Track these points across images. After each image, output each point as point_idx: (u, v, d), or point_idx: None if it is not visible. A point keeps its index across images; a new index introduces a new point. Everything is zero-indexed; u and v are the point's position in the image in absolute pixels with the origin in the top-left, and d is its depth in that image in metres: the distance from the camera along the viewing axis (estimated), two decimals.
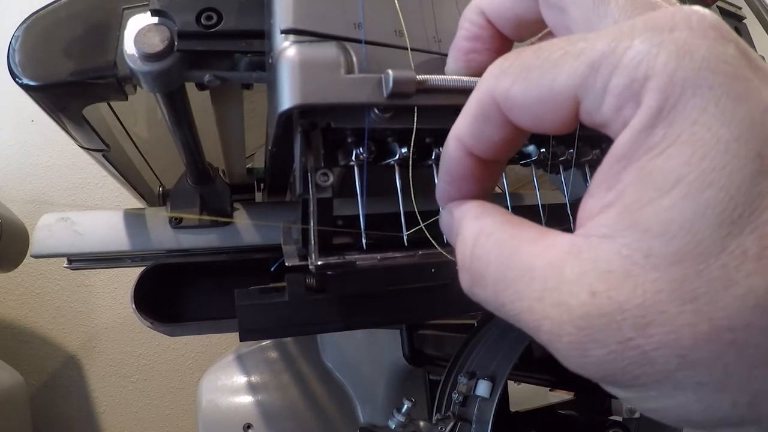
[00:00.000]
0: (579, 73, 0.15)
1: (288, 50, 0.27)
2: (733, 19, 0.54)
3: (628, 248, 0.13)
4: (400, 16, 0.30)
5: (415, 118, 0.29)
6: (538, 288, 0.14)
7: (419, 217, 0.29)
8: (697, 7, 0.14)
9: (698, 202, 0.12)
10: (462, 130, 0.19)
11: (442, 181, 0.21)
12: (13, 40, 0.33)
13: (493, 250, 0.17)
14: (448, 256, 0.28)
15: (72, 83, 0.33)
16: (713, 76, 0.13)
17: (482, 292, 0.17)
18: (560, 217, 0.37)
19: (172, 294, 0.55)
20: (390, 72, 0.27)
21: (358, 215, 0.30)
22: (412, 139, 0.29)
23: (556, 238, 0.15)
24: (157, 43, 0.31)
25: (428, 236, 0.28)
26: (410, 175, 0.30)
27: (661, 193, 0.13)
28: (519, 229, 0.17)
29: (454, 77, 0.29)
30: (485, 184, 0.20)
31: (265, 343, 0.91)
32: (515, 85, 0.16)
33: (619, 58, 0.14)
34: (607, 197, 0.14)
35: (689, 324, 0.12)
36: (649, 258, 0.13)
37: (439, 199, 0.21)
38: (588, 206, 0.15)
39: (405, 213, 0.31)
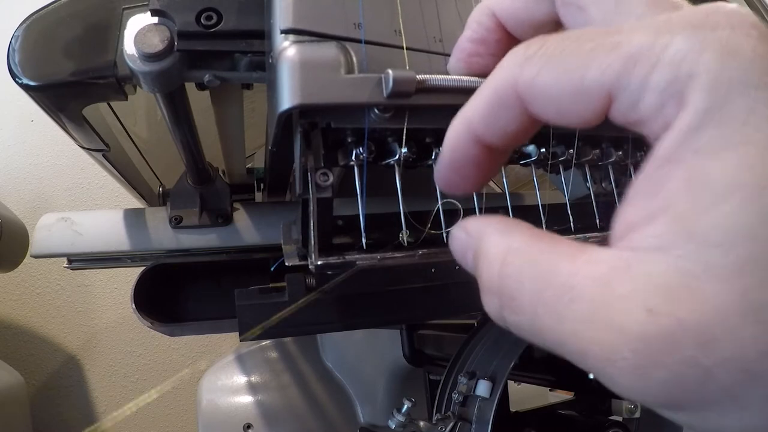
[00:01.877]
0: (614, 67, 0.14)
1: (288, 50, 0.27)
2: None
3: (685, 260, 0.12)
4: (400, 16, 0.30)
5: (406, 120, 0.29)
6: (583, 309, 0.13)
7: (419, 223, 0.29)
8: (735, 6, 0.14)
9: (760, 207, 0.12)
10: (473, 115, 0.18)
11: (444, 166, 0.20)
12: (13, 40, 0.33)
13: (526, 268, 0.15)
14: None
15: (72, 83, 0.33)
16: (759, 77, 0.12)
17: (514, 317, 0.15)
18: (560, 217, 0.37)
19: (172, 294, 0.55)
20: (390, 72, 0.27)
21: (358, 215, 0.30)
22: (403, 137, 0.29)
23: (597, 253, 0.14)
24: (156, 43, 0.31)
25: (442, 235, 0.28)
26: (397, 174, 0.30)
27: (718, 200, 0.12)
28: (552, 244, 0.15)
29: (455, 77, 0.29)
30: (488, 172, 0.19)
31: (265, 343, 0.91)
32: (541, 75, 0.15)
33: (659, 54, 0.13)
34: (652, 205, 0.13)
35: (754, 337, 0.11)
36: (709, 270, 0.12)
37: (440, 182, 0.20)
38: (628, 215, 0.14)
39: (405, 213, 0.31)
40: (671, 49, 0.13)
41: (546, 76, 0.15)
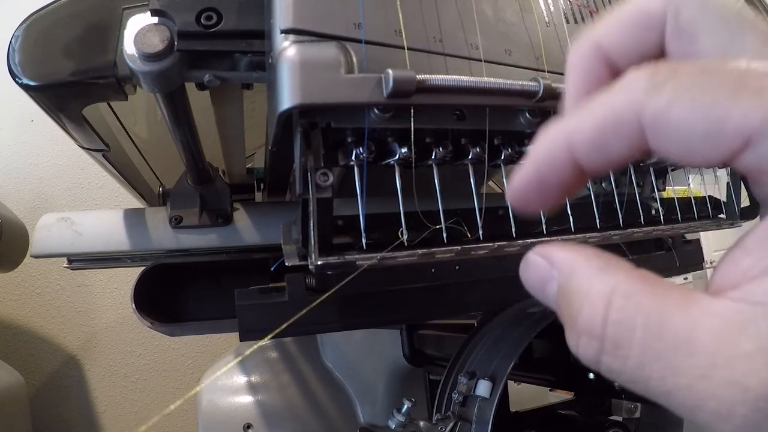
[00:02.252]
0: (760, 113, 0.13)
1: (288, 50, 0.27)
2: None
3: None
4: (400, 16, 0.30)
5: (412, 120, 0.29)
6: (702, 364, 0.13)
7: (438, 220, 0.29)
8: None
9: None
10: (578, 134, 0.16)
11: (525, 182, 0.18)
12: (13, 40, 0.33)
13: (637, 315, 0.14)
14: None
15: (72, 83, 0.33)
16: None
17: (617, 363, 0.14)
18: (560, 217, 0.37)
19: (172, 294, 0.55)
20: (390, 71, 0.27)
21: (358, 215, 0.30)
22: (411, 136, 0.29)
23: (711, 304, 0.14)
24: (156, 43, 0.31)
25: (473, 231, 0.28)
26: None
27: None
28: (662, 289, 0.14)
29: (455, 77, 0.29)
30: (568, 194, 0.18)
31: (265, 343, 0.91)
32: (674, 107, 0.14)
33: None
34: None
35: None
36: None
37: (516, 198, 0.18)
38: (743, 264, 0.14)
39: (405, 213, 0.31)
40: None
41: (679, 110, 0.14)
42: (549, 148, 0.17)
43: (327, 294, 0.33)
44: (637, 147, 0.15)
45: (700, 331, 0.13)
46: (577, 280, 0.16)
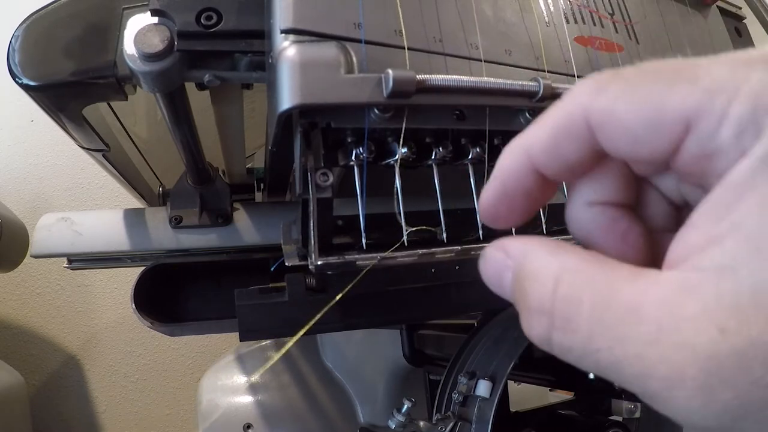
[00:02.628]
0: (695, 97, 0.14)
1: (288, 50, 0.27)
2: (733, 19, 0.54)
3: (756, 278, 0.12)
4: (400, 16, 0.30)
5: (405, 121, 0.29)
6: (650, 330, 0.13)
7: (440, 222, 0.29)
8: None
9: None
10: (534, 143, 0.17)
11: (492, 196, 0.19)
12: (13, 40, 0.33)
13: (583, 289, 0.15)
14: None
15: (72, 83, 0.33)
16: None
17: (567, 338, 0.15)
18: (560, 217, 0.37)
19: (172, 294, 0.55)
20: (390, 71, 0.27)
21: (358, 215, 0.30)
22: (401, 136, 0.29)
23: (659, 275, 0.14)
24: (156, 43, 0.31)
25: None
26: (397, 174, 0.30)
27: None
28: (608, 266, 0.15)
29: (455, 77, 0.29)
30: (536, 205, 0.19)
31: (265, 343, 0.91)
32: (618, 102, 0.15)
33: (738, 86, 0.14)
34: (717, 228, 0.13)
35: None
36: None
37: (485, 213, 0.19)
38: (690, 239, 0.14)
39: (405, 213, 0.31)
40: (751, 81, 0.14)
41: (622, 104, 0.15)
42: (510, 160, 0.18)
43: (342, 293, 0.33)
44: (589, 147, 0.16)
45: (646, 299, 0.13)
46: (528, 264, 0.16)
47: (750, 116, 0.13)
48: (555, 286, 0.15)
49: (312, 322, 0.31)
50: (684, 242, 0.14)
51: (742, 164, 0.13)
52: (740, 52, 0.15)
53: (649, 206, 0.19)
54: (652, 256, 0.18)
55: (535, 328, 0.16)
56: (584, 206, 0.18)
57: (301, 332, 0.31)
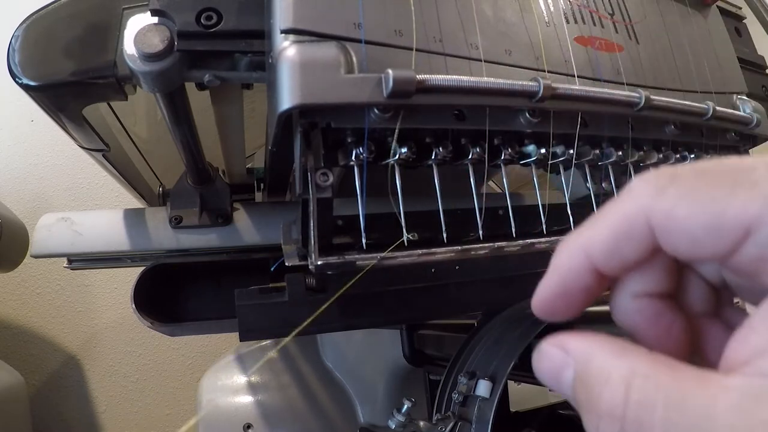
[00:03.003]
0: (757, 204, 0.14)
1: (288, 50, 0.27)
2: (733, 19, 0.54)
3: None
4: (403, 16, 0.30)
5: (399, 121, 0.29)
6: None
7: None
8: None
9: None
10: (594, 243, 0.17)
11: (550, 293, 0.19)
12: (13, 40, 0.33)
13: (657, 395, 0.15)
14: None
15: (72, 83, 0.33)
16: None
17: None
18: (560, 217, 0.37)
19: (172, 294, 0.55)
20: (390, 71, 0.27)
21: (358, 215, 0.30)
22: (395, 137, 0.29)
23: (726, 380, 0.14)
24: (156, 43, 0.31)
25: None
26: (397, 174, 0.30)
27: None
28: (678, 370, 0.15)
29: (455, 77, 0.29)
30: (593, 298, 0.19)
31: (265, 343, 0.91)
32: (679, 206, 0.16)
33: None
34: None
35: None
36: None
37: (542, 308, 0.19)
38: (752, 342, 0.15)
39: (405, 213, 0.31)
40: None
41: (684, 209, 0.15)
42: (569, 258, 0.18)
43: (340, 291, 0.33)
44: (649, 247, 0.17)
45: (718, 405, 0.14)
46: (595, 365, 0.16)
47: None
48: (627, 391, 0.15)
49: (307, 322, 0.31)
50: (745, 345, 0.15)
51: None
52: None
53: (689, 291, 0.19)
54: (692, 344, 0.19)
55: (603, 430, 0.16)
56: (630, 298, 0.19)
57: (295, 332, 0.31)
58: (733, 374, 0.14)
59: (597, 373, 0.16)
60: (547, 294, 0.19)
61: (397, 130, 0.29)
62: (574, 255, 0.18)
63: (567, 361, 0.17)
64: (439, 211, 0.32)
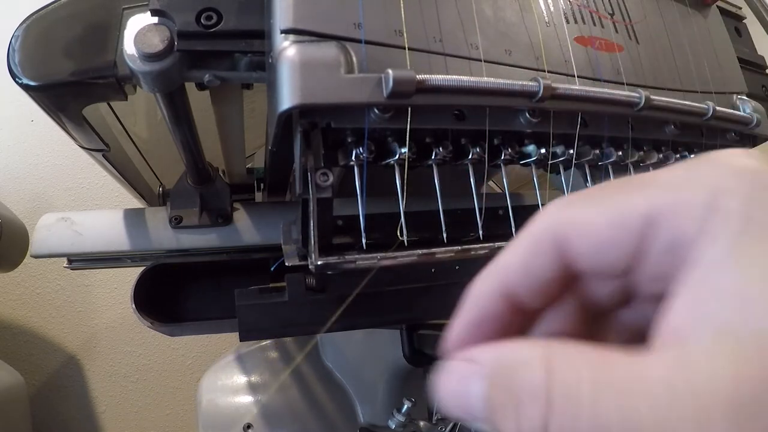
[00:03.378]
0: (655, 193, 0.15)
1: (288, 50, 0.27)
2: (733, 19, 0.54)
3: (753, 328, 0.13)
4: (402, 16, 0.30)
5: (409, 119, 0.29)
6: (662, 394, 0.13)
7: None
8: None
9: None
10: (507, 263, 0.17)
11: (463, 322, 0.18)
12: (13, 40, 0.33)
13: (581, 367, 0.14)
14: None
15: (72, 83, 0.33)
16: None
17: (568, 422, 0.14)
18: None
19: (172, 294, 0.55)
20: (390, 71, 0.27)
21: (358, 215, 0.30)
22: (407, 137, 0.29)
23: (658, 352, 0.14)
24: (156, 43, 0.31)
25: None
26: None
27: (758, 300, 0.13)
28: (596, 346, 0.14)
29: (455, 77, 0.29)
30: (505, 333, 0.18)
31: (265, 343, 0.91)
32: (582, 212, 0.16)
33: (692, 178, 0.15)
34: (705, 306, 0.14)
35: None
36: None
37: (454, 340, 0.18)
38: (674, 320, 0.14)
39: (405, 213, 0.31)
40: (700, 171, 0.15)
41: (587, 213, 0.16)
42: (482, 284, 0.18)
43: (356, 291, 0.33)
44: (558, 261, 0.16)
45: (651, 368, 0.13)
46: (509, 358, 0.15)
47: (711, 200, 0.14)
48: (548, 367, 0.14)
49: (336, 314, 0.31)
50: (666, 324, 0.14)
51: (716, 243, 0.14)
52: (692, 158, 0.16)
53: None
54: None
55: (527, 420, 0.14)
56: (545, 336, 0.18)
57: (328, 323, 0.31)
58: (664, 348, 0.14)
59: (513, 364, 0.15)
60: (459, 325, 0.18)
61: (408, 130, 0.29)
62: (486, 280, 0.18)
63: (475, 370, 0.16)
64: (439, 211, 0.32)
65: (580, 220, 0.16)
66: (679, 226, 0.14)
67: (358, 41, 0.28)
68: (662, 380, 0.13)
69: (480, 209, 0.33)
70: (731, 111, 0.42)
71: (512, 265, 0.17)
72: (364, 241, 0.30)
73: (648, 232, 0.15)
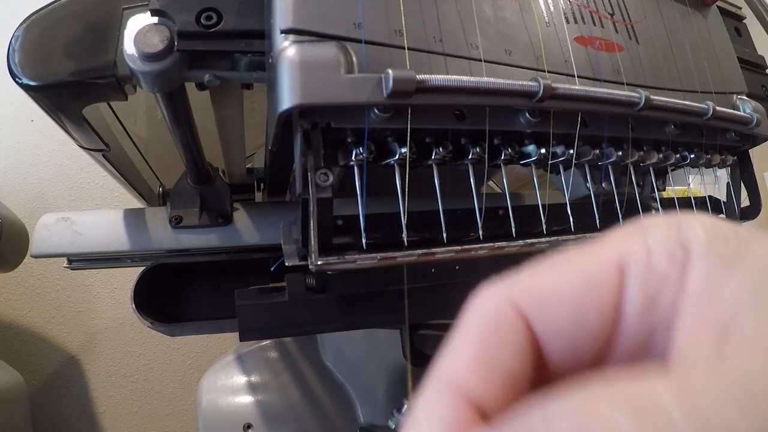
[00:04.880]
0: (619, 241, 0.14)
1: (288, 50, 0.27)
2: (733, 19, 0.54)
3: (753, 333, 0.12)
4: (402, 16, 0.30)
5: (409, 119, 0.29)
6: None
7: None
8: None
9: None
10: (458, 362, 0.14)
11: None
12: (13, 40, 0.33)
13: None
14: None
15: (72, 83, 0.33)
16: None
17: None
18: (560, 217, 0.37)
19: (172, 294, 0.55)
20: (390, 71, 0.27)
21: (358, 215, 0.30)
22: (407, 138, 0.29)
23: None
24: (156, 43, 0.31)
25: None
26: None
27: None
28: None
29: (455, 77, 0.29)
30: None
31: (265, 343, 0.91)
32: (544, 276, 0.14)
33: (654, 222, 0.14)
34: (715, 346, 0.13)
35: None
36: None
37: None
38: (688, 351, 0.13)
39: (405, 213, 0.30)
40: (662, 221, 0.14)
41: (550, 276, 0.14)
42: (437, 402, 0.14)
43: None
44: (526, 341, 0.14)
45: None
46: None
47: (675, 236, 0.14)
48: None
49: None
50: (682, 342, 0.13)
51: (691, 278, 0.13)
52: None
53: None
54: None
55: None
56: None
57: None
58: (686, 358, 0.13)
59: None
60: None
61: (408, 130, 0.29)
62: (441, 394, 0.14)
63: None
64: (439, 211, 0.32)
65: (545, 286, 0.14)
66: (655, 264, 0.13)
67: (358, 41, 0.28)
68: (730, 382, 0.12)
69: (480, 209, 0.33)
70: (731, 111, 0.42)
71: (463, 363, 0.14)
72: (364, 241, 0.30)
73: (622, 280, 0.14)
